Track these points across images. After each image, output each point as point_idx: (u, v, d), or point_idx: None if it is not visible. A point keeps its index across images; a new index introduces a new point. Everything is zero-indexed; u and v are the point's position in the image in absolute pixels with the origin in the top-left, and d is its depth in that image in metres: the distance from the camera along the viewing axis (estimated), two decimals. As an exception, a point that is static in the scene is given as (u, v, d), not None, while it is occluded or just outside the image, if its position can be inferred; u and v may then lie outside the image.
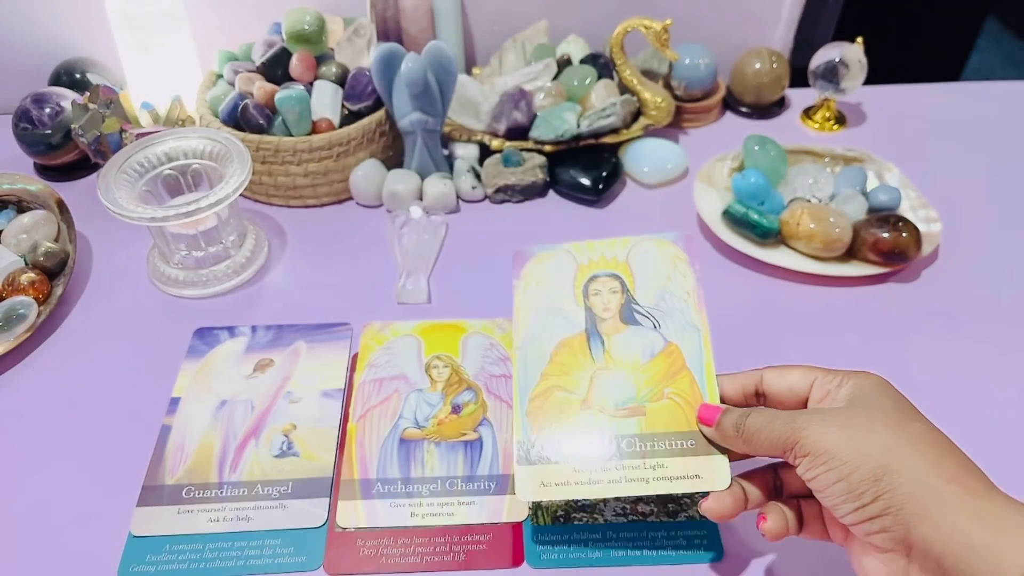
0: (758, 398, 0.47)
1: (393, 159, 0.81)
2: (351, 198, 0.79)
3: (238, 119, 0.75)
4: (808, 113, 0.92)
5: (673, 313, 0.52)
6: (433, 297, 0.69)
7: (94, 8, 0.85)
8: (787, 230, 0.70)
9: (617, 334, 0.52)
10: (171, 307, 0.68)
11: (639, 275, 0.54)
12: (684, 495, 0.51)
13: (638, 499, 0.53)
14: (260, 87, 0.75)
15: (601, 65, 0.83)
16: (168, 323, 0.66)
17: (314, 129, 0.75)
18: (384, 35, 0.88)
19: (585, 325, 0.52)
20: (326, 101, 0.76)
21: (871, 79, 0.88)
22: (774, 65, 0.89)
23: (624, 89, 0.83)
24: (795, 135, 0.89)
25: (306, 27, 0.76)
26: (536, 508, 0.52)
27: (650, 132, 0.84)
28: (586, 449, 0.47)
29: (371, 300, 0.68)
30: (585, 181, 0.77)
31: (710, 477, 0.45)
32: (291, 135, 0.75)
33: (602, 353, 0.51)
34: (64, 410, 0.60)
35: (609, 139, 0.80)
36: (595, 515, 0.52)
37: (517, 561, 0.50)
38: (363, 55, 0.82)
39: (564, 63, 0.84)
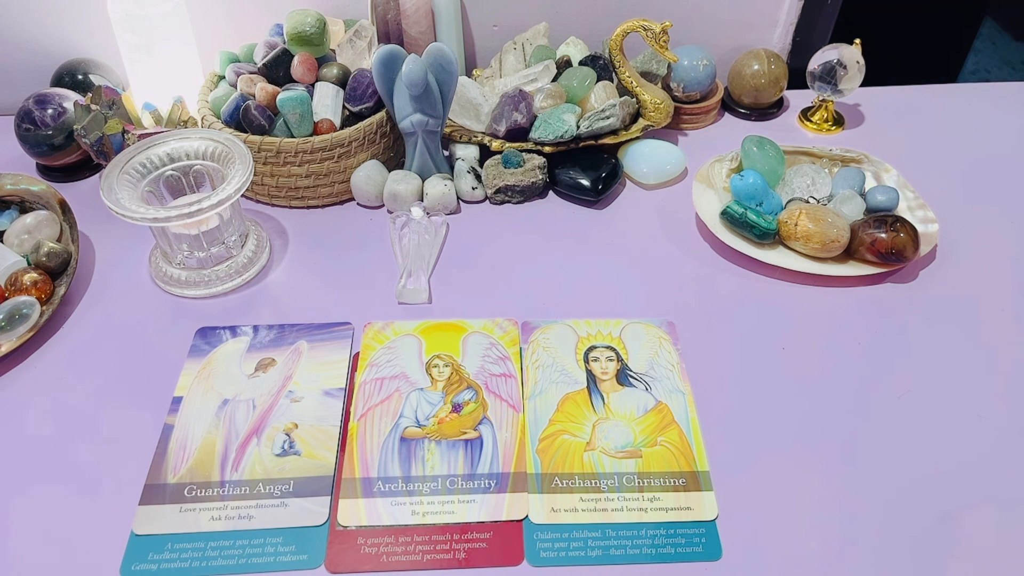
0: None
1: (394, 160, 0.82)
2: (352, 199, 0.80)
3: (240, 120, 0.75)
4: (806, 114, 0.92)
5: (661, 379, 0.62)
6: (434, 297, 0.69)
7: (96, 9, 0.85)
8: (785, 230, 0.70)
9: (615, 392, 0.61)
10: (173, 307, 0.68)
11: (631, 349, 0.64)
12: None
13: None
14: (262, 88, 0.75)
15: (600, 67, 0.83)
16: (170, 323, 0.67)
17: (315, 130, 0.76)
18: (385, 37, 0.88)
19: (587, 383, 0.61)
20: (327, 102, 0.76)
21: (869, 80, 0.88)
22: (772, 67, 0.89)
23: (623, 91, 0.83)
24: (793, 136, 0.90)
25: (307, 29, 0.77)
26: None
27: (649, 133, 0.84)
28: (589, 482, 0.54)
29: (372, 300, 0.69)
30: (584, 182, 0.78)
31: (699, 509, 0.53)
32: (292, 136, 0.75)
33: (603, 406, 0.60)
34: (67, 409, 0.60)
35: (608, 140, 0.80)
36: None
37: (517, 559, 0.51)
38: (364, 57, 0.82)
39: (564, 65, 0.84)
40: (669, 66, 0.87)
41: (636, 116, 0.83)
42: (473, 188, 0.78)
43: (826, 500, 0.54)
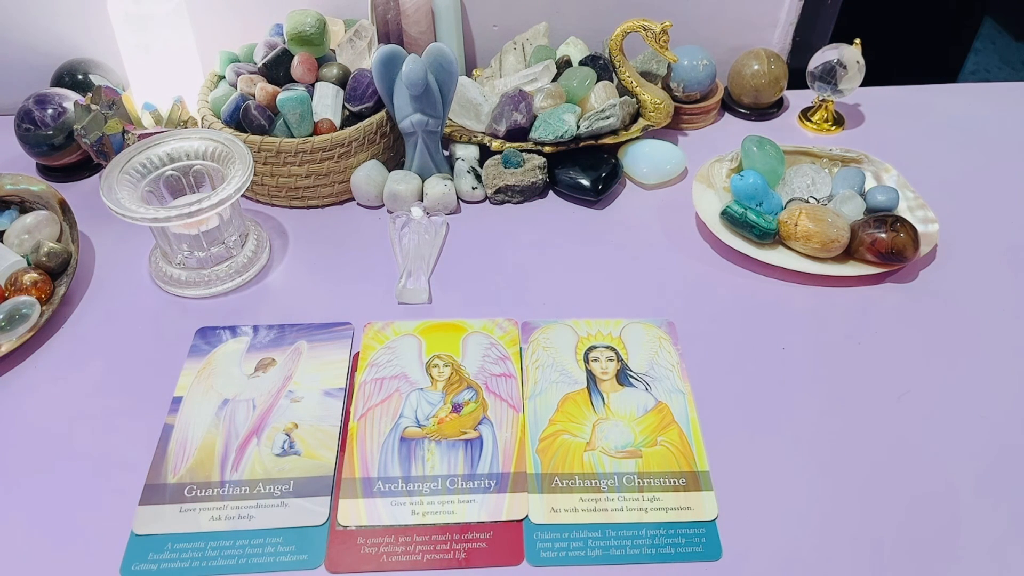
0: None
1: (394, 160, 0.82)
2: (352, 199, 0.80)
3: (240, 120, 0.75)
4: (806, 114, 0.92)
5: (661, 379, 0.62)
6: (434, 297, 0.69)
7: (96, 9, 0.85)
8: (785, 230, 0.70)
9: (615, 392, 0.61)
10: (173, 307, 0.68)
11: (631, 349, 0.64)
12: None
13: None
14: (262, 88, 0.75)
15: (600, 67, 0.83)
16: (170, 323, 0.67)
17: (315, 130, 0.76)
18: (385, 37, 0.88)
19: (587, 383, 0.61)
20: (327, 102, 0.76)
21: (869, 80, 0.88)
22: (772, 67, 0.89)
23: (623, 90, 0.83)
24: (793, 136, 0.90)
25: (307, 29, 0.77)
26: None
27: (649, 133, 0.84)
28: (589, 482, 0.54)
29: (372, 300, 0.69)
30: (584, 182, 0.78)
31: (700, 509, 0.53)
32: (292, 136, 0.75)
33: (603, 406, 0.60)
34: (67, 409, 0.60)
35: (608, 140, 0.80)
36: None
37: (517, 559, 0.51)
38: (364, 57, 0.82)
39: (564, 65, 0.84)
40: (669, 66, 0.87)
41: (636, 116, 0.83)
42: (473, 188, 0.78)
43: (826, 500, 0.54)
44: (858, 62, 0.86)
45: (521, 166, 0.79)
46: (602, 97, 0.81)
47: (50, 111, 0.78)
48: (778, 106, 0.94)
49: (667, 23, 0.79)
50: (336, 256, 0.74)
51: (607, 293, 0.69)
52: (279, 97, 0.74)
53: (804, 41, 0.97)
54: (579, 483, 0.54)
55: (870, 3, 1.19)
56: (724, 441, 0.57)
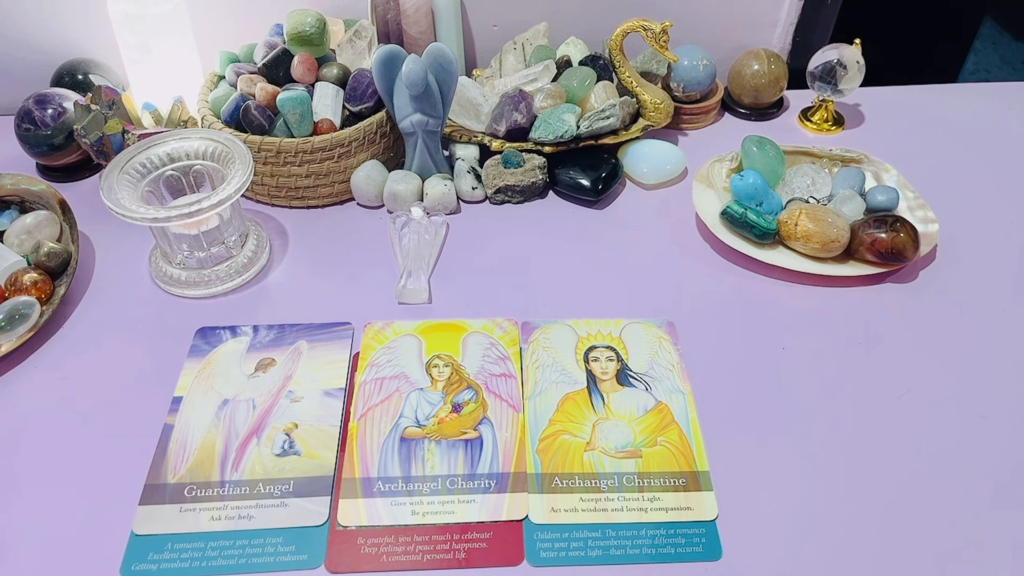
0: None
1: (394, 160, 0.82)
2: (352, 199, 0.80)
3: (240, 120, 0.75)
4: (806, 114, 0.92)
5: (661, 379, 0.62)
6: (434, 297, 0.69)
7: (96, 9, 0.85)
8: (785, 230, 0.70)
9: (615, 392, 0.61)
10: (173, 307, 0.68)
11: (631, 349, 0.64)
12: None
13: None
14: (262, 88, 0.75)
15: (600, 67, 0.83)
16: (170, 323, 0.67)
17: (315, 130, 0.76)
18: (385, 37, 0.88)
19: (587, 383, 0.61)
20: (327, 102, 0.76)
21: (869, 80, 0.88)
22: (772, 67, 0.89)
23: (623, 91, 0.83)
24: (793, 136, 0.90)
25: (307, 29, 0.77)
26: None
27: (649, 133, 0.84)
28: (589, 482, 0.54)
29: (372, 300, 0.69)
30: (584, 182, 0.78)
31: (699, 509, 0.53)
32: (292, 136, 0.75)
33: (603, 406, 0.60)
34: (67, 409, 0.60)
35: (608, 140, 0.80)
36: None
37: (517, 559, 0.51)
38: (364, 57, 0.82)
39: (564, 65, 0.84)
40: (669, 66, 0.87)
41: (636, 116, 0.83)
42: (473, 188, 0.78)
43: (826, 500, 0.54)
44: (858, 62, 0.86)
45: (521, 166, 0.79)
46: (602, 97, 0.81)
47: (50, 111, 0.78)
48: (778, 106, 0.94)
49: (667, 23, 0.79)
50: (336, 256, 0.74)
51: (607, 293, 0.69)
52: (279, 97, 0.74)
53: (804, 41, 0.97)
54: (579, 483, 0.54)
55: (870, 3, 1.19)
56: (724, 441, 0.57)
